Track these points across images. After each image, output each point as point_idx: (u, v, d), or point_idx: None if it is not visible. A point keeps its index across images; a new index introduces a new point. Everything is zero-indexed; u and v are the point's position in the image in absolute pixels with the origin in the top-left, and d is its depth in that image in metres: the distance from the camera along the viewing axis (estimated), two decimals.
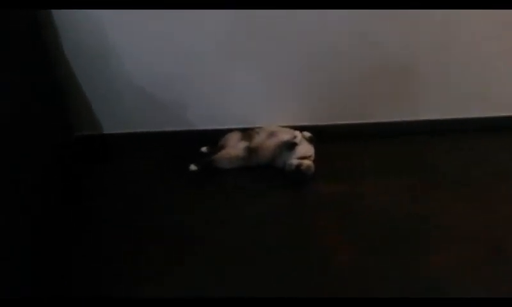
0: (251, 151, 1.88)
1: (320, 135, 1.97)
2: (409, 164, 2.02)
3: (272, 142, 1.89)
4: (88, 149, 2.03)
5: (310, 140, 1.93)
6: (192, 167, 1.88)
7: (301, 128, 1.97)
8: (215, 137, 1.99)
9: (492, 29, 1.92)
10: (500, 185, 1.89)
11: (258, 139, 1.90)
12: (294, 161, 1.83)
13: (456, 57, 1.97)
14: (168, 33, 1.78)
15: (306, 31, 1.81)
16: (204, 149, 1.98)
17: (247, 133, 1.95)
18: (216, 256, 1.55)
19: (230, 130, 1.99)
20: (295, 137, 1.88)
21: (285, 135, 1.91)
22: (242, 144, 1.90)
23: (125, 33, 1.78)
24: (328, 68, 1.92)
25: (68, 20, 1.73)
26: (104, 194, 1.83)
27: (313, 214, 1.73)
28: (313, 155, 1.90)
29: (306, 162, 1.84)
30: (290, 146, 1.86)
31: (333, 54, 1.88)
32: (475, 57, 1.98)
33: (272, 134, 1.91)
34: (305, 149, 1.89)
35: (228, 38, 1.81)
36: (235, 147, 1.91)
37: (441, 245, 1.60)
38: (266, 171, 1.90)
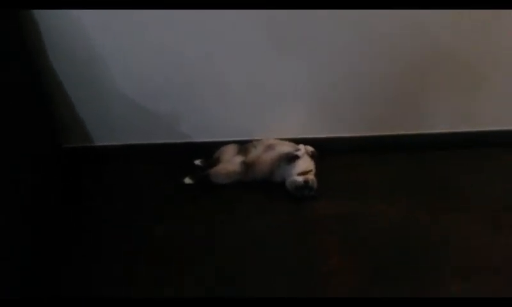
0: (247, 165, 1.81)
1: (322, 148, 1.90)
2: (422, 181, 1.87)
3: (269, 156, 1.81)
4: (77, 162, 1.97)
5: (311, 155, 1.84)
6: (187, 180, 1.82)
7: (301, 141, 1.89)
8: (210, 150, 1.93)
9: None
10: None
11: (255, 153, 1.83)
12: (299, 177, 1.74)
13: (469, 66, 1.83)
14: (160, 40, 1.71)
15: (307, 37, 1.72)
16: (198, 162, 1.91)
17: (244, 146, 1.88)
18: (213, 267, 1.54)
19: (226, 143, 1.94)
20: (297, 149, 1.80)
21: (285, 148, 1.82)
22: (239, 159, 1.83)
23: (115, 40, 1.70)
24: (330, 76, 1.81)
25: (54, 26, 1.66)
26: (95, 209, 1.77)
27: (313, 235, 1.63)
28: (313, 170, 1.81)
29: (311, 177, 1.75)
30: (291, 159, 1.77)
31: (336, 61, 1.78)
32: (499, 63, 1.83)
33: (270, 147, 1.83)
34: (306, 164, 1.79)
35: (223, 45, 1.74)
36: (231, 161, 1.84)
37: (456, 275, 1.47)
38: (264, 188, 1.82)
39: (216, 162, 1.87)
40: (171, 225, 1.68)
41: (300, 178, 1.74)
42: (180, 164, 1.93)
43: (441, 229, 1.65)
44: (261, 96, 1.87)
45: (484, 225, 1.66)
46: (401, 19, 1.68)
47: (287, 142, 1.88)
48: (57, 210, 1.72)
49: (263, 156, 1.82)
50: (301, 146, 1.83)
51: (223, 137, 1.96)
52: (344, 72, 1.81)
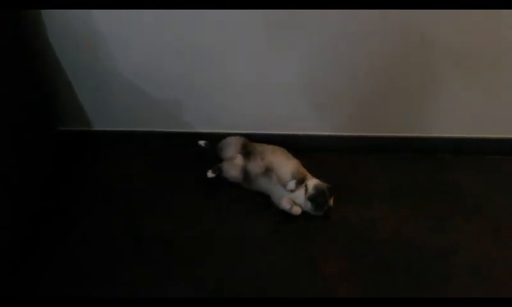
0: (247, 175, 1.73)
1: (325, 147, 1.86)
2: (427, 186, 1.79)
3: (270, 186, 1.70)
4: (74, 145, 1.92)
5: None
6: (210, 174, 1.74)
7: (302, 138, 1.86)
8: (211, 140, 1.87)
9: None
10: None
11: (255, 168, 1.72)
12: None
13: (486, 69, 1.72)
14: (166, 25, 1.63)
15: (311, 31, 1.64)
16: (201, 142, 1.83)
17: (247, 145, 1.78)
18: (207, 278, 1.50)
19: (228, 134, 1.86)
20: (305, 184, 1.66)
21: (284, 173, 1.67)
22: (240, 161, 1.74)
23: (117, 23, 1.63)
24: (334, 72, 1.74)
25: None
26: (92, 194, 1.75)
27: (312, 240, 1.60)
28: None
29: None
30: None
31: (339, 57, 1.70)
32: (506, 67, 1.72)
33: (268, 169, 1.69)
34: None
35: (232, 35, 1.65)
36: (233, 163, 1.74)
37: (457, 285, 1.46)
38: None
39: (219, 151, 1.81)
40: (163, 223, 1.64)
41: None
42: (179, 154, 1.88)
43: (443, 238, 1.60)
44: (264, 89, 1.80)
45: (487, 235, 1.62)
46: (402, 15, 1.58)
47: (286, 162, 1.72)
48: (46, 196, 1.70)
49: (262, 179, 1.72)
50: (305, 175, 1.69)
51: (225, 129, 1.88)
52: (347, 70, 1.73)
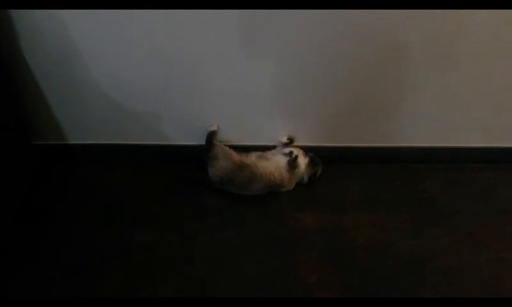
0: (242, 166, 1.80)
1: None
2: (402, 195, 1.86)
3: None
4: (48, 160, 1.88)
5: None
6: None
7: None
8: (192, 154, 1.88)
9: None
10: (503, 225, 1.75)
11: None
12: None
13: (456, 79, 1.80)
14: (140, 37, 1.64)
15: (293, 43, 1.68)
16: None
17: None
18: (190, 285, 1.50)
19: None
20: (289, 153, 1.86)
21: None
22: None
23: (92, 34, 1.62)
24: (308, 84, 1.78)
25: (28, 17, 1.56)
26: (69, 208, 1.71)
27: (293, 248, 1.64)
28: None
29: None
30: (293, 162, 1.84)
31: (320, 69, 1.74)
32: (480, 80, 1.80)
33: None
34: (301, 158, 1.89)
35: (211, 44, 1.67)
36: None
37: (437, 291, 1.51)
38: (244, 199, 1.79)
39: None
40: (146, 232, 1.64)
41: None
42: (157, 166, 1.89)
43: (420, 244, 1.67)
44: (244, 101, 1.83)
45: (459, 240, 1.70)
46: (371, 25, 1.65)
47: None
48: (23, 211, 1.65)
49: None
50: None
51: (203, 141, 1.89)
52: (320, 81, 1.79)
